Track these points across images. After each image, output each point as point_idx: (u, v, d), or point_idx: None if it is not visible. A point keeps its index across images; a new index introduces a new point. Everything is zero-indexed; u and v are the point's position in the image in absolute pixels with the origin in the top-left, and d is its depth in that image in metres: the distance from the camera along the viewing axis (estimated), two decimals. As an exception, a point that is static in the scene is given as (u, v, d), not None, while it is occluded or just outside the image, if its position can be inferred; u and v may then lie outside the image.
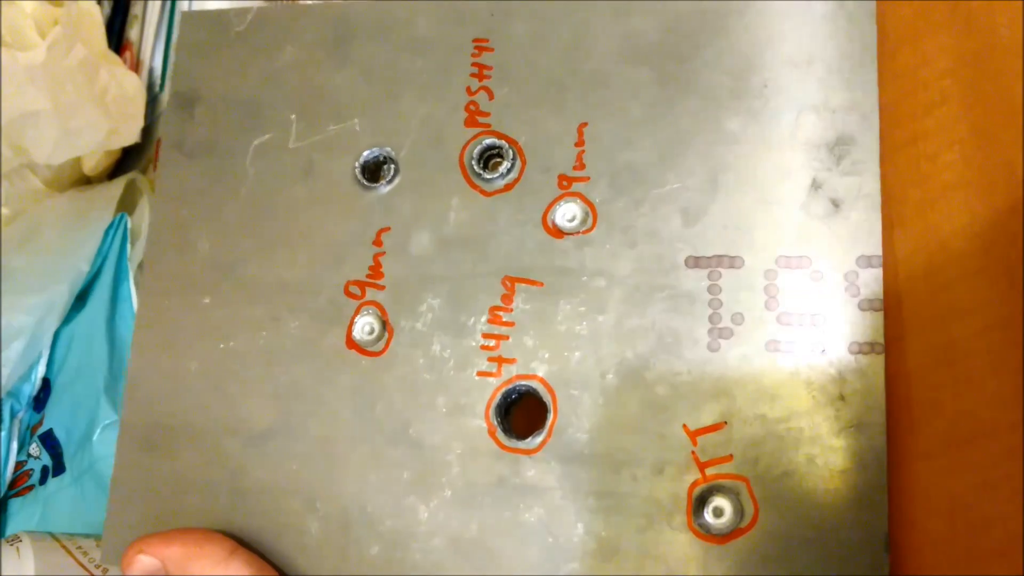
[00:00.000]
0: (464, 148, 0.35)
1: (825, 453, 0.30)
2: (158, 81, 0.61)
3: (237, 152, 0.38)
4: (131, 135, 0.57)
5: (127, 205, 0.57)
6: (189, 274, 0.37)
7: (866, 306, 0.30)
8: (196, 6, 0.59)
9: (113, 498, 0.36)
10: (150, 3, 0.63)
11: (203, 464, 0.35)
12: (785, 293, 0.31)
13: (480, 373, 0.33)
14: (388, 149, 0.36)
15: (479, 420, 0.33)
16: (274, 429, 0.35)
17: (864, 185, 0.31)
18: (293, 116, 0.37)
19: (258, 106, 0.38)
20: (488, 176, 0.34)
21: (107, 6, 0.63)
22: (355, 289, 0.35)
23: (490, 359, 0.33)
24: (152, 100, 0.61)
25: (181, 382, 0.36)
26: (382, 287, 0.35)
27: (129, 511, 0.35)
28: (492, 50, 0.36)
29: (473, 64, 0.36)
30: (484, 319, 0.34)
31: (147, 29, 0.62)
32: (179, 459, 0.35)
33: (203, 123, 0.38)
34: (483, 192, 0.35)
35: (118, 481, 0.36)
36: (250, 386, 0.35)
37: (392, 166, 0.36)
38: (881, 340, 0.30)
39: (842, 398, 0.30)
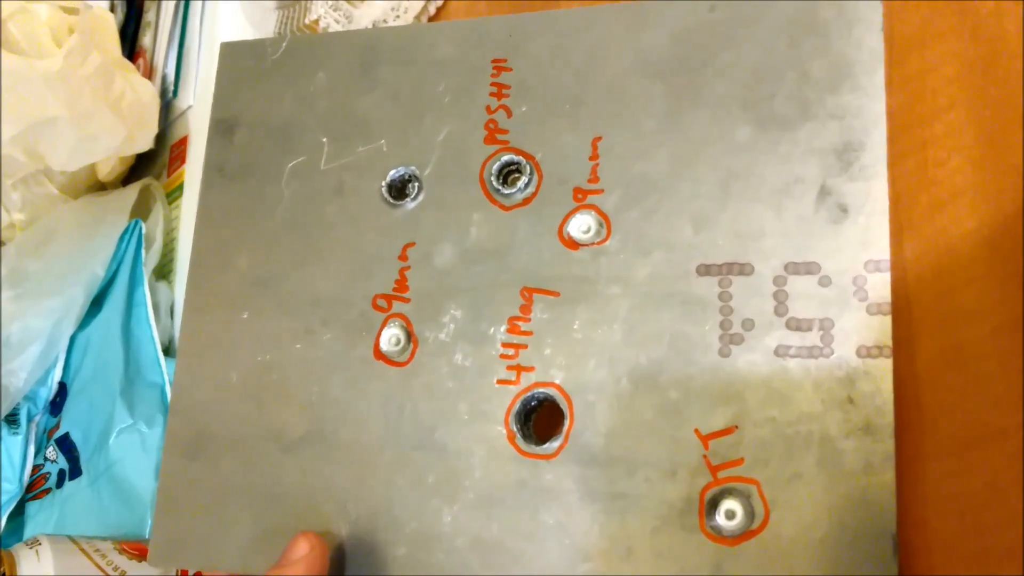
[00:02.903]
0: (484, 165, 0.37)
1: (835, 455, 0.30)
2: (171, 87, 0.62)
3: (273, 174, 0.40)
4: (145, 141, 0.58)
5: (141, 210, 0.58)
6: (229, 290, 0.39)
7: (875, 310, 0.31)
8: (209, 7, 0.60)
9: (160, 503, 0.38)
10: (163, 10, 0.64)
11: (242, 470, 0.37)
12: (794, 298, 0.32)
13: (500, 381, 0.35)
14: (413, 168, 0.38)
15: (499, 426, 0.34)
16: (308, 436, 0.36)
17: (872, 190, 0.32)
18: (324, 139, 0.39)
19: (292, 130, 0.40)
20: (507, 191, 0.36)
21: (120, 13, 0.64)
22: (382, 302, 0.37)
23: (509, 367, 0.35)
24: (165, 106, 0.61)
25: (222, 393, 0.38)
26: (407, 300, 0.36)
27: (174, 516, 0.38)
28: (510, 69, 0.37)
29: (492, 84, 0.37)
30: (504, 329, 0.35)
31: (160, 36, 0.63)
32: (220, 466, 0.37)
33: (242, 147, 0.40)
34: (502, 207, 0.36)
35: (164, 487, 0.38)
36: (286, 396, 0.37)
37: (417, 184, 0.37)
38: (889, 343, 0.30)
39: (851, 401, 0.30)
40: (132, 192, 0.58)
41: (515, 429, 0.34)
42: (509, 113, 0.37)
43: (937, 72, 0.33)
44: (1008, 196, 0.31)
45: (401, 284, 0.37)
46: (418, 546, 0.34)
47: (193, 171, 0.58)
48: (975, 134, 0.32)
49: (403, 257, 0.37)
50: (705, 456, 0.32)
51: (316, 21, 0.53)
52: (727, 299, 0.33)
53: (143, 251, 0.55)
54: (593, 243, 0.35)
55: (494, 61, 0.37)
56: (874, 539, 0.29)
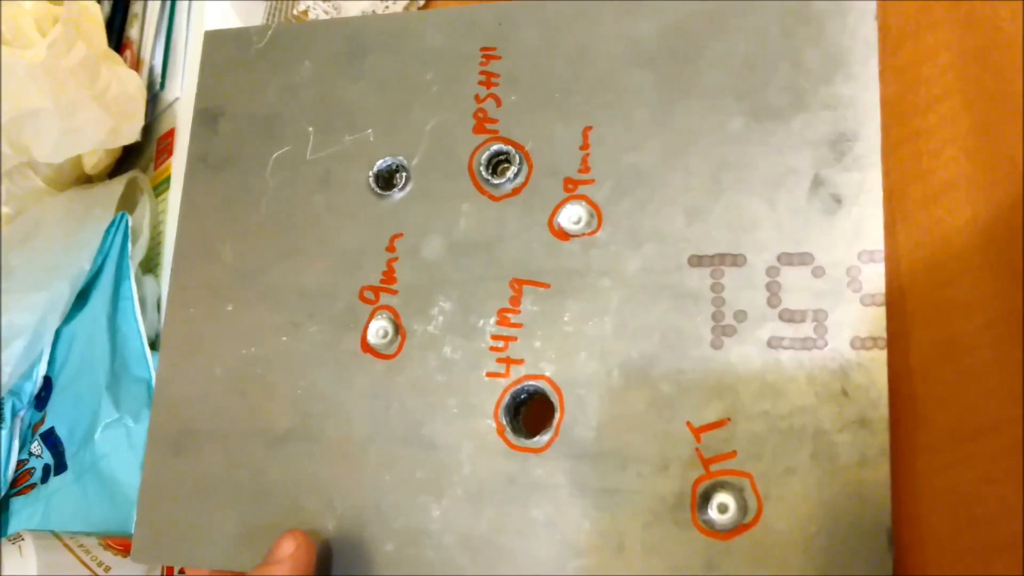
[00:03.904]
0: (473, 154, 0.36)
1: (828, 448, 0.30)
2: (158, 79, 0.60)
3: (258, 164, 0.39)
4: (132, 133, 0.57)
5: (128, 203, 0.57)
6: (213, 283, 0.38)
7: (868, 301, 0.30)
8: (195, 4, 0.59)
9: (143, 499, 0.37)
10: (150, 2, 0.63)
11: (227, 466, 0.36)
12: (787, 290, 0.31)
13: (489, 374, 0.34)
14: (401, 158, 0.37)
15: (489, 420, 0.34)
16: (294, 431, 0.36)
17: (866, 181, 0.31)
18: (310, 128, 0.39)
19: (277, 120, 0.39)
20: (496, 181, 0.35)
21: (107, 5, 0.63)
22: (369, 294, 0.36)
23: (499, 360, 0.34)
24: (152, 98, 0.60)
25: (206, 387, 0.38)
26: (395, 292, 0.36)
27: (158, 512, 0.37)
28: (499, 58, 0.37)
29: (481, 72, 0.37)
30: (493, 321, 0.34)
31: (147, 27, 0.62)
32: (204, 461, 0.37)
33: (226, 137, 0.40)
34: (492, 197, 0.36)
35: (147, 483, 0.37)
36: (271, 390, 0.37)
37: (404, 174, 0.37)
38: (884, 335, 0.30)
39: (845, 393, 0.30)
40: (118, 185, 0.57)
41: (504, 422, 0.33)
42: (499, 102, 0.36)
43: (931, 61, 0.33)
44: (1003, 187, 0.30)
45: (389, 276, 0.36)
46: (406, 542, 0.34)
47: (180, 164, 0.57)
48: (969, 124, 0.31)
49: (391, 248, 0.36)
50: (697, 449, 0.31)
51: (305, 12, 0.52)
52: (719, 291, 0.32)
53: (129, 245, 0.54)
54: (584, 234, 0.34)
55: (483, 49, 0.37)
56: (868, 533, 0.29)
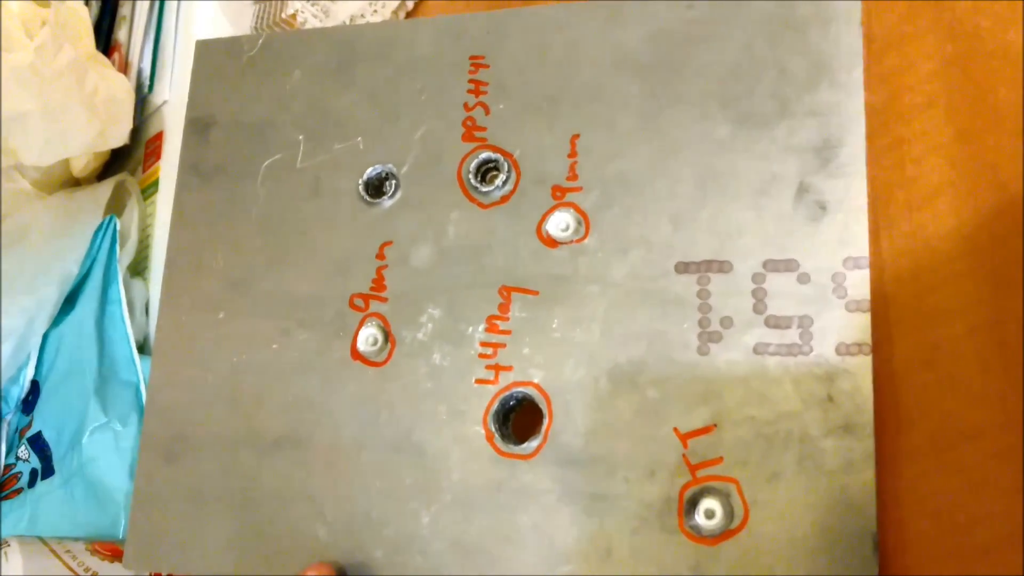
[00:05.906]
0: (462, 162, 0.36)
1: (814, 454, 0.30)
2: (147, 82, 0.60)
3: (249, 173, 0.39)
4: (120, 137, 0.57)
5: (116, 207, 0.57)
6: (205, 290, 0.39)
7: (853, 307, 0.31)
8: (184, 7, 0.59)
9: (135, 507, 0.37)
10: (138, 4, 0.63)
11: (218, 473, 0.37)
12: (773, 296, 0.32)
13: (478, 381, 0.34)
14: (390, 166, 0.37)
15: (477, 426, 0.34)
16: (284, 439, 0.36)
17: (851, 188, 0.32)
18: (301, 137, 0.39)
19: (268, 128, 0.39)
20: (485, 189, 0.36)
21: (95, 7, 0.63)
22: (359, 302, 0.36)
23: (488, 367, 0.34)
24: (141, 101, 0.60)
25: (198, 394, 0.38)
26: (384, 299, 0.36)
27: (150, 520, 0.37)
28: (488, 67, 0.37)
29: (470, 81, 0.37)
30: (482, 328, 0.35)
31: (135, 30, 0.62)
32: (196, 469, 0.37)
33: (217, 146, 0.40)
34: (480, 205, 0.36)
35: (140, 491, 0.38)
36: (262, 397, 0.37)
37: (394, 182, 0.37)
38: (869, 341, 0.30)
39: (830, 399, 0.30)
40: (106, 188, 0.57)
41: (493, 429, 0.34)
42: (487, 110, 0.36)
43: (915, 69, 0.33)
44: (985, 195, 0.31)
45: (378, 283, 0.36)
46: (395, 549, 0.34)
47: (168, 167, 0.57)
48: (952, 132, 0.32)
49: (380, 256, 0.36)
50: (684, 455, 0.31)
51: (293, 16, 0.52)
52: (706, 297, 0.32)
53: (117, 248, 0.54)
54: (572, 241, 0.34)
55: (472, 58, 0.37)
56: (854, 539, 0.29)
